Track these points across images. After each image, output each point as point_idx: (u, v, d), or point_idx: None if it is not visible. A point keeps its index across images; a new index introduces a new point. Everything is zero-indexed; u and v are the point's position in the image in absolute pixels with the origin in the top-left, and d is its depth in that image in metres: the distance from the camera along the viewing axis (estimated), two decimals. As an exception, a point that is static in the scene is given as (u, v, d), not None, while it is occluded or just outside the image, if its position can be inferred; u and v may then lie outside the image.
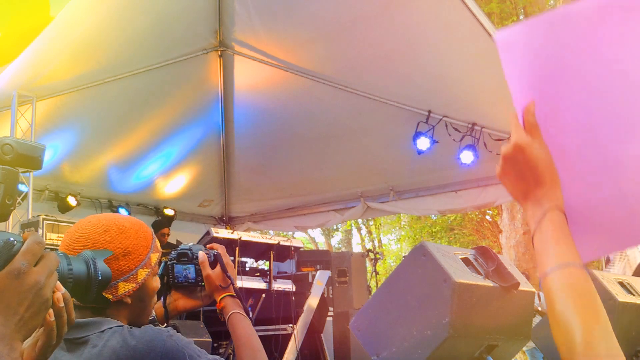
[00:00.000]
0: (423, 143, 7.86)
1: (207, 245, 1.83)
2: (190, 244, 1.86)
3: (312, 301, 7.08)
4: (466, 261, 4.18)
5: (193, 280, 1.81)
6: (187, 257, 1.80)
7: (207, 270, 1.78)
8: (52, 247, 6.62)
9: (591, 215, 1.01)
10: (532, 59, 0.97)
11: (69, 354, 1.51)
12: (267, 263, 7.39)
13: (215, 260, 1.79)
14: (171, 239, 8.77)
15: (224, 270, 1.78)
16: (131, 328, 1.52)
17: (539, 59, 0.96)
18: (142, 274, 1.58)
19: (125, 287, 1.54)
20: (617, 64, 0.95)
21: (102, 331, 1.50)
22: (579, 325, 0.86)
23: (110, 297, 1.53)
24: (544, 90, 0.97)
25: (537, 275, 0.94)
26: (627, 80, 0.95)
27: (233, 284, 1.77)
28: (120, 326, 1.52)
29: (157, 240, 1.68)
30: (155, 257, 1.63)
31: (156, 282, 1.67)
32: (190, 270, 1.81)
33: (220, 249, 1.80)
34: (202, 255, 1.79)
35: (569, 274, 0.91)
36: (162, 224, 9.05)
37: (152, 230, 1.72)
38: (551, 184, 0.95)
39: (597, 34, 0.94)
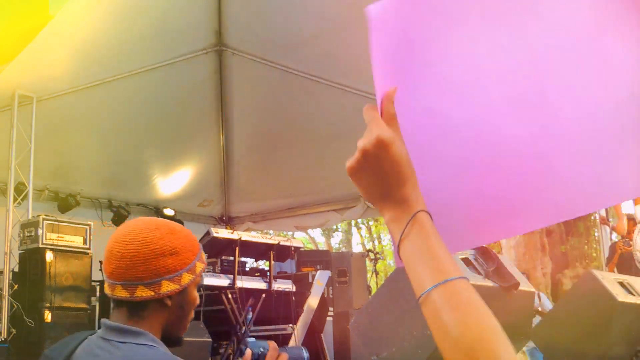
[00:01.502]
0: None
1: (269, 341, 1.85)
2: (253, 340, 1.92)
3: (312, 301, 7.08)
4: (466, 261, 4.18)
5: None
6: (241, 351, 1.87)
7: None
8: (52, 247, 6.63)
9: (443, 212, 0.92)
10: (398, 39, 0.88)
11: (104, 352, 1.55)
12: (267, 263, 7.39)
13: (258, 359, 1.82)
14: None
15: None
16: (166, 350, 1.55)
17: (404, 39, 0.88)
18: (187, 278, 1.59)
19: (168, 287, 1.56)
20: (484, 59, 0.90)
21: (140, 345, 1.53)
22: (491, 345, 0.77)
23: (153, 293, 1.54)
24: (405, 76, 0.89)
25: (418, 297, 0.82)
26: (490, 77, 0.91)
27: None
28: (155, 346, 1.54)
29: (203, 253, 1.70)
30: (200, 266, 1.64)
31: (197, 294, 1.68)
32: None
33: (271, 350, 1.80)
34: (247, 352, 1.81)
35: (461, 287, 0.80)
36: None
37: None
38: (413, 183, 0.85)
39: (467, 21, 0.89)
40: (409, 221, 0.83)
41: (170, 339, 1.63)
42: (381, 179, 0.84)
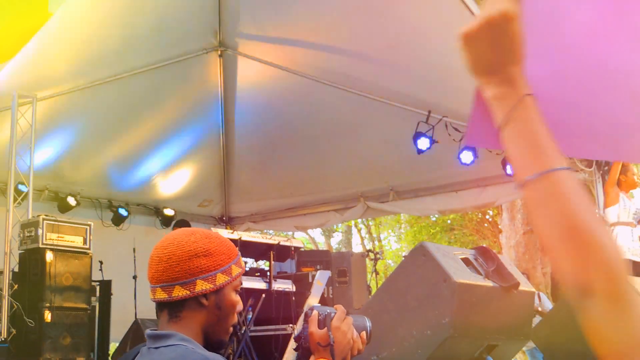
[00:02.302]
0: (423, 143, 7.86)
1: (335, 305, 1.92)
2: (318, 305, 1.98)
3: (312, 301, 7.08)
4: (466, 261, 4.18)
5: (300, 334, 1.93)
6: (307, 316, 1.93)
7: (312, 327, 1.88)
8: (52, 247, 6.63)
9: (553, 112, 0.91)
10: None
11: (146, 357, 1.67)
12: (267, 263, 7.40)
13: (324, 320, 1.88)
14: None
15: (328, 330, 1.86)
16: (193, 346, 1.61)
17: None
18: (222, 278, 1.67)
19: (203, 286, 1.64)
20: None
21: (167, 346, 1.61)
22: (595, 233, 0.77)
23: (188, 292, 1.63)
24: None
25: (521, 181, 0.81)
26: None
27: (332, 346, 1.84)
28: (183, 345, 1.60)
29: (241, 259, 1.77)
30: (237, 270, 1.72)
31: (236, 298, 1.74)
32: (305, 326, 1.94)
33: (339, 312, 1.88)
34: (314, 313, 1.90)
35: (568, 177, 0.81)
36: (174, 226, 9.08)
37: None
38: (523, 66, 0.83)
39: None
40: (517, 102, 0.82)
41: (213, 343, 1.69)
42: (495, 52, 0.83)
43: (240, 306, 1.75)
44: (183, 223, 9.35)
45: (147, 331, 1.69)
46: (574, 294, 0.77)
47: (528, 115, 0.82)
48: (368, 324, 1.99)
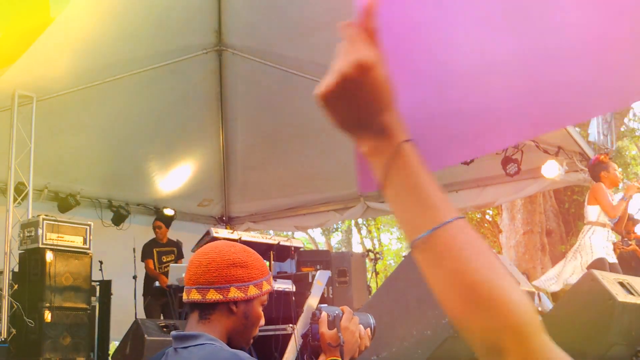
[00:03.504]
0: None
1: (341, 307, 2.01)
2: (325, 306, 2.05)
3: (312, 301, 7.07)
4: (466, 261, 4.17)
5: (307, 332, 2.02)
6: (316, 316, 2.00)
7: (322, 328, 1.96)
8: (52, 247, 6.63)
9: (423, 130, 0.86)
10: None
11: (173, 357, 1.77)
12: (267, 263, 7.40)
13: (333, 321, 1.96)
14: (174, 239, 8.77)
15: (338, 331, 1.95)
16: (222, 345, 1.72)
17: None
18: (253, 290, 1.81)
19: (235, 293, 1.78)
20: None
21: (197, 345, 1.71)
22: (501, 290, 0.69)
23: (221, 297, 1.76)
24: None
25: (410, 242, 0.73)
26: None
27: (342, 346, 1.92)
28: (212, 343, 1.71)
29: (272, 278, 1.92)
30: (267, 286, 1.85)
31: (261, 313, 1.87)
32: (314, 326, 2.02)
33: (347, 312, 1.97)
34: (323, 314, 1.98)
35: (461, 229, 0.72)
36: (155, 219, 9.05)
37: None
38: (393, 110, 0.74)
39: None
40: (393, 154, 0.73)
41: (234, 349, 1.77)
42: (359, 106, 0.74)
43: (263, 321, 1.87)
44: (165, 219, 9.34)
45: (173, 332, 1.80)
46: (483, 355, 0.71)
47: (407, 166, 0.73)
48: (372, 320, 2.08)
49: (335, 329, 1.93)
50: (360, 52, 0.73)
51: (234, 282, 1.78)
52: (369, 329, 2.03)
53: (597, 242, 6.38)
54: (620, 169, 6.68)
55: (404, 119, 0.76)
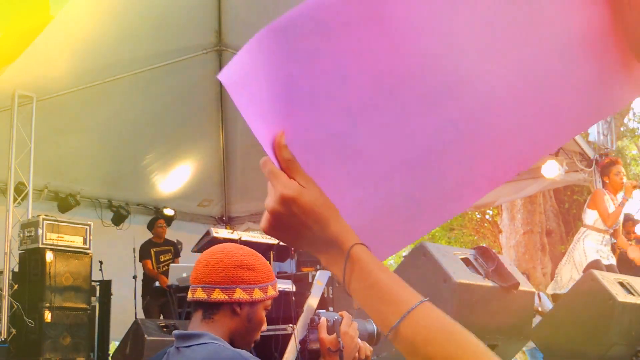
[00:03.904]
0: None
1: (340, 312, 2.01)
2: (324, 311, 2.06)
3: (312, 301, 7.07)
4: (466, 261, 4.18)
5: (305, 338, 2.01)
6: (314, 322, 2.00)
7: (322, 333, 1.96)
8: (52, 247, 6.63)
9: (369, 220, 0.90)
10: (266, 84, 0.80)
11: (176, 356, 1.77)
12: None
13: (333, 326, 1.97)
14: (171, 239, 8.78)
15: (338, 336, 1.95)
16: (225, 344, 1.74)
17: (273, 81, 0.79)
18: (258, 293, 1.82)
19: (240, 295, 1.79)
20: (391, 58, 0.83)
21: (200, 344, 1.72)
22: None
23: (226, 297, 1.77)
24: (288, 112, 0.81)
25: (386, 334, 0.77)
26: (401, 74, 0.85)
27: (341, 351, 1.93)
28: (215, 342, 1.72)
29: (277, 284, 1.93)
30: (272, 291, 1.87)
31: (264, 317, 1.90)
32: (313, 332, 2.02)
33: (346, 318, 1.98)
34: (322, 319, 1.99)
35: (426, 314, 0.76)
36: (157, 218, 9.08)
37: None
38: (335, 219, 0.79)
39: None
40: (345, 262, 0.78)
41: None
42: (301, 230, 0.79)
43: (265, 326, 1.90)
44: (166, 218, 9.38)
45: (175, 332, 1.81)
46: None
47: (361, 269, 0.78)
48: (374, 326, 2.10)
49: (335, 334, 1.94)
50: (282, 186, 0.79)
51: (240, 283, 1.79)
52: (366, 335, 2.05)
53: (589, 245, 6.40)
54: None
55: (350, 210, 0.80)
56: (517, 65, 0.92)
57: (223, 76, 0.80)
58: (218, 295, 1.77)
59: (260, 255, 1.89)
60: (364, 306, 0.79)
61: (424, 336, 0.75)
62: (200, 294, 1.79)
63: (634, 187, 6.43)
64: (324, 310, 2.09)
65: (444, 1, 0.85)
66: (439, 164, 0.94)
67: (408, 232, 1.01)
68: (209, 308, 1.79)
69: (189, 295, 1.83)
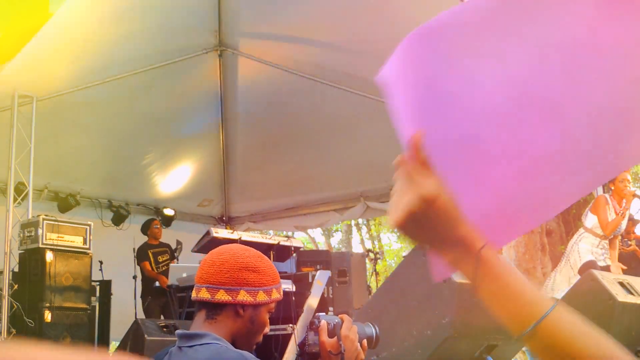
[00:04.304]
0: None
1: (340, 315, 2.02)
2: (324, 314, 2.07)
3: (312, 301, 7.08)
4: (466, 261, 4.17)
5: (303, 341, 2.01)
6: (314, 325, 2.01)
7: (322, 336, 1.97)
8: (52, 247, 6.63)
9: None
10: (410, 85, 0.87)
11: (178, 356, 1.77)
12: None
13: (333, 329, 1.97)
14: (171, 239, 8.77)
15: (338, 339, 1.97)
16: (227, 346, 1.74)
17: (416, 82, 0.87)
18: (262, 296, 1.83)
19: (244, 297, 1.80)
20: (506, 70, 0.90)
21: (202, 344, 1.72)
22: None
23: (230, 298, 1.78)
24: (426, 113, 0.87)
25: (517, 337, 0.80)
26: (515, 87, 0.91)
27: (342, 354, 1.94)
28: (218, 343, 1.72)
29: (282, 287, 1.92)
30: (276, 294, 1.87)
31: (267, 320, 1.89)
32: (311, 334, 2.03)
33: (346, 321, 1.99)
34: (323, 322, 1.99)
35: (561, 317, 0.79)
36: (152, 219, 9.05)
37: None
38: (464, 222, 0.82)
39: (476, 42, 0.89)
40: (475, 262, 0.81)
41: None
42: (433, 229, 0.82)
43: (268, 329, 1.89)
44: (165, 219, 9.38)
45: (178, 331, 1.80)
46: None
47: (492, 271, 0.80)
48: (373, 330, 2.12)
49: (336, 337, 1.95)
50: (420, 186, 0.81)
51: (245, 285, 1.80)
52: (364, 340, 2.06)
53: (584, 247, 6.42)
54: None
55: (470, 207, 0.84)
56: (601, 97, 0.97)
57: (379, 78, 0.86)
58: (222, 296, 1.78)
59: (266, 257, 1.89)
60: (495, 309, 0.81)
61: (565, 335, 0.77)
62: (204, 294, 1.79)
63: (634, 196, 6.44)
64: (324, 314, 2.09)
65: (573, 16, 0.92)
66: (551, 172, 0.99)
67: (514, 229, 1.06)
68: (213, 308, 1.80)
69: (193, 295, 1.84)
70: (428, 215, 0.80)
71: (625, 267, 6.70)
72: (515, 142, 0.95)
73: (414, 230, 0.83)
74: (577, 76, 0.95)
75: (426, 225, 0.82)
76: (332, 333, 1.96)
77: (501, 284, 0.80)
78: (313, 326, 1.99)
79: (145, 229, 8.62)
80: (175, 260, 8.30)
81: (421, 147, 0.83)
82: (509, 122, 0.93)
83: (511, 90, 0.92)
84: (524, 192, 1.00)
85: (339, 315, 2.02)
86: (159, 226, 8.68)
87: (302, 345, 1.98)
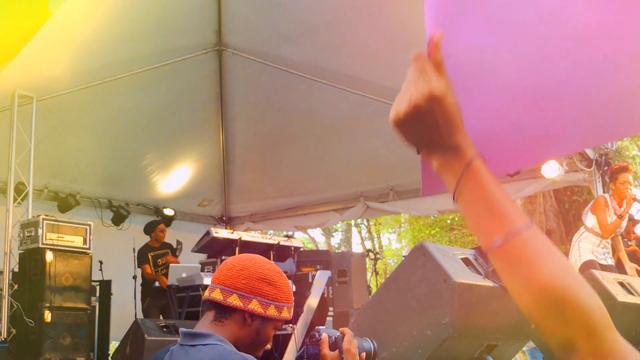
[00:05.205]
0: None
1: (341, 329, 2.03)
2: (324, 328, 2.07)
3: (312, 301, 7.08)
4: (466, 261, 4.18)
5: (302, 354, 2.03)
6: (315, 338, 2.01)
7: (324, 349, 1.98)
8: (52, 247, 6.62)
9: (486, 140, 0.93)
10: None
11: (180, 354, 1.77)
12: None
13: (335, 342, 1.99)
14: (171, 239, 8.77)
15: (340, 352, 1.98)
16: (231, 348, 1.74)
17: None
18: (272, 310, 1.82)
19: (255, 306, 1.80)
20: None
21: (206, 344, 1.72)
22: (577, 293, 0.74)
23: (241, 304, 1.78)
24: (453, 15, 0.88)
25: (487, 246, 0.79)
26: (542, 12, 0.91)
27: None
28: (222, 345, 1.72)
29: (292, 309, 1.93)
30: (286, 314, 1.87)
31: (271, 335, 1.89)
32: (311, 347, 2.04)
33: (348, 335, 2.00)
34: (324, 335, 2.01)
35: (534, 237, 0.77)
36: (157, 222, 9.02)
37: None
38: (462, 129, 0.81)
39: None
40: (464, 170, 0.80)
41: None
42: (430, 130, 0.81)
43: (270, 345, 1.90)
44: (166, 219, 9.40)
45: (182, 329, 1.80)
46: (558, 352, 0.76)
47: (478, 179, 0.80)
48: (372, 345, 2.13)
49: (337, 350, 1.96)
50: (431, 82, 0.80)
51: (258, 295, 1.80)
52: (364, 353, 2.07)
53: (585, 245, 6.42)
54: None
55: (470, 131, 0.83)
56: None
57: None
58: (234, 301, 1.78)
59: (285, 276, 1.90)
60: (469, 217, 0.81)
61: (531, 254, 0.76)
62: (217, 295, 1.80)
63: (634, 200, 6.44)
64: (324, 327, 2.10)
65: None
66: (550, 105, 0.98)
67: (521, 157, 1.05)
68: (222, 311, 1.80)
69: (206, 294, 1.84)
70: (432, 112, 0.80)
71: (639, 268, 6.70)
72: (532, 71, 0.94)
73: (413, 127, 0.82)
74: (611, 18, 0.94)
75: (427, 123, 0.80)
76: (333, 346, 1.96)
77: (484, 195, 0.79)
78: (314, 339, 2.00)
79: (150, 230, 8.55)
80: (176, 258, 8.31)
81: (438, 48, 0.82)
82: (530, 47, 0.93)
83: (536, 17, 0.92)
84: (536, 122, 0.99)
85: (340, 329, 2.02)
86: (164, 230, 8.61)
87: (300, 359, 1.96)
